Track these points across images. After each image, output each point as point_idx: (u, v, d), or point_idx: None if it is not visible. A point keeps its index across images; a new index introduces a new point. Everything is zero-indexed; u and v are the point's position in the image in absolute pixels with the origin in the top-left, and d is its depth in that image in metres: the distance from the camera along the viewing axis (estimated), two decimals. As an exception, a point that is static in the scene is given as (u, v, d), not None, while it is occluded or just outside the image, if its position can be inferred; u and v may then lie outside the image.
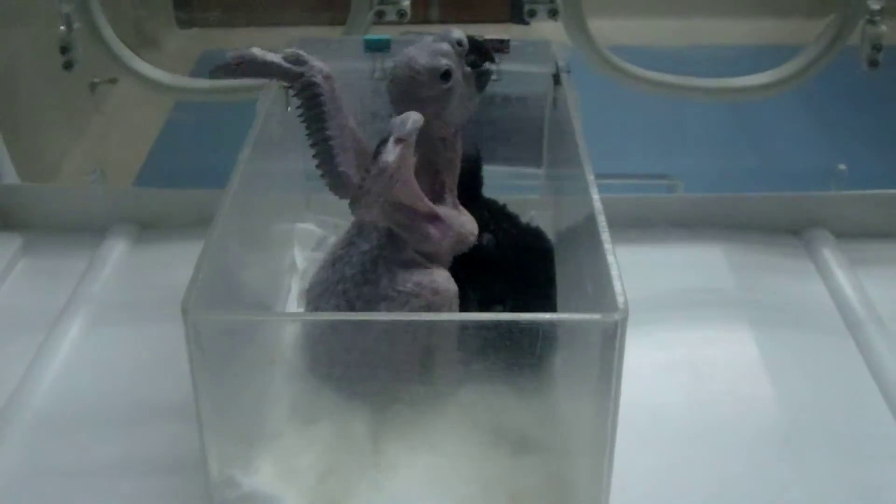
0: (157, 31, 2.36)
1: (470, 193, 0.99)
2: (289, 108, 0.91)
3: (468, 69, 0.91)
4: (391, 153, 0.78)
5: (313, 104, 0.87)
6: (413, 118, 0.79)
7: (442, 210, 0.90)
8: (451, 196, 0.93)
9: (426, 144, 0.88)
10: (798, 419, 0.95)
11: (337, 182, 0.87)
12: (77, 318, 1.09)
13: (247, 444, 0.82)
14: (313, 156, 0.87)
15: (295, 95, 0.88)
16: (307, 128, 0.87)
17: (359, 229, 0.91)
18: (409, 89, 0.89)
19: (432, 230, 0.88)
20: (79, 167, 1.73)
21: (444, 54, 0.89)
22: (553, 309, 0.97)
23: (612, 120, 1.81)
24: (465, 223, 0.93)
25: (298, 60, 0.87)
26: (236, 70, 0.86)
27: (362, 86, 1.11)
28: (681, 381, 1.01)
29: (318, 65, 0.87)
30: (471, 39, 0.91)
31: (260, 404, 0.85)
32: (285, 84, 0.88)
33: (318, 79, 0.86)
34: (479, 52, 0.91)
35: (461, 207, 0.94)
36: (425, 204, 0.87)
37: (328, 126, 0.86)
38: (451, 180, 0.93)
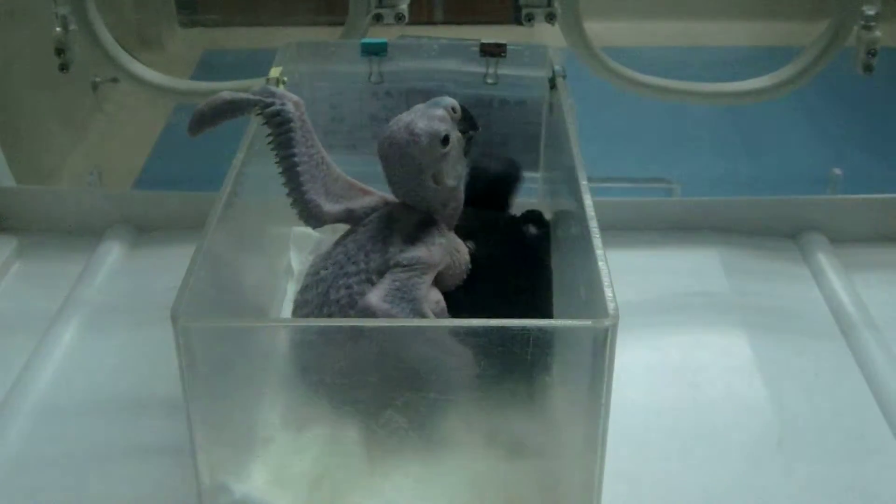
0: (160, 31, 2.36)
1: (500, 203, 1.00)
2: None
3: (459, 134, 0.90)
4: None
5: (282, 130, 0.87)
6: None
7: (435, 248, 0.90)
8: (446, 229, 0.93)
9: (422, 206, 0.91)
10: (792, 422, 0.96)
11: (305, 210, 0.89)
12: (72, 322, 1.09)
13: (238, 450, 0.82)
14: (283, 184, 0.87)
15: (265, 123, 0.88)
16: (276, 154, 0.88)
17: (344, 247, 0.90)
18: (408, 153, 0.87)
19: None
20: (78, 169, 1.73)
21: (442, 119, 0.88)
22: (549, 314, 0.97)
23: (611, 123, 1.82)
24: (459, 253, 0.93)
25: (268, 93, 0.88)
26: (212, 116, 0.87)
27: (360, 89, 1.11)
28: (675, 385, 1.01)
29: (287, 94, 0.88)
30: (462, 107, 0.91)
31: (252, 410, 0.85)
32: (257, 112, 0.88)
33: (288, 105, 0.87)
34: (467, 119, 0.91)
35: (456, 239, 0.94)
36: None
37: (296, 152, 0.87)
38: (449, 223, 0.93)
